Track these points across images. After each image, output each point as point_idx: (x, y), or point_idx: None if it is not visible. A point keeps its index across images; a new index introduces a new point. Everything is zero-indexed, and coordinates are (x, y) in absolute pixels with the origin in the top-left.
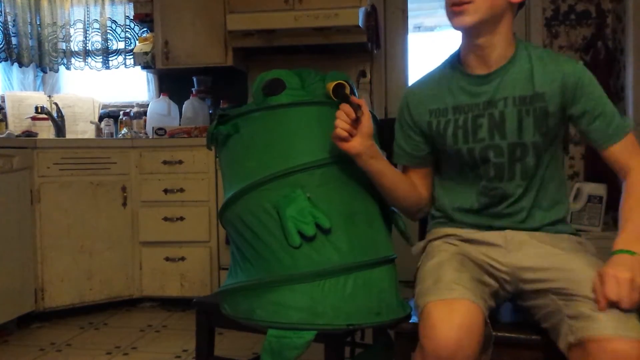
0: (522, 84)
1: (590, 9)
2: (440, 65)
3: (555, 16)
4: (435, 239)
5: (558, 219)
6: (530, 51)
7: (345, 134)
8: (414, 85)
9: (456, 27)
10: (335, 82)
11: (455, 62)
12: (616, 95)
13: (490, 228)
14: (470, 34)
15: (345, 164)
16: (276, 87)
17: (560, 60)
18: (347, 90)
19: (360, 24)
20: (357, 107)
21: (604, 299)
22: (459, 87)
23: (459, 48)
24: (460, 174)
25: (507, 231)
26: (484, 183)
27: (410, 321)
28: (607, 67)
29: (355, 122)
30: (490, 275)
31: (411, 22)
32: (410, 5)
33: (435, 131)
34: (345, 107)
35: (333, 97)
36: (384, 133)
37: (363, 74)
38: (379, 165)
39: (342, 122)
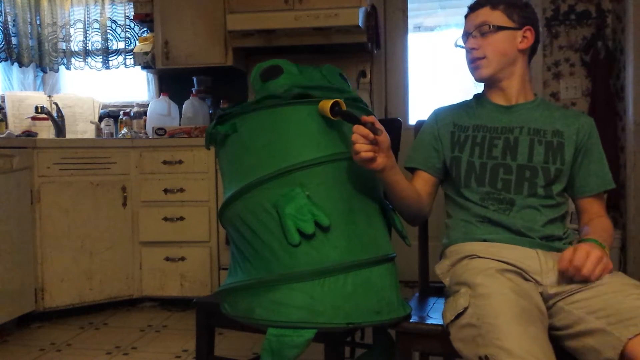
0: (541, 123)
1: (590, 9)
2: (466, 100)
3: (555, 16)
4: (466, 257)
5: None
6: (549, 104)
7: (371, 155)
8: (442, 107)
9: (477, 80)
10: (331, 101)
11: (480, 96)
12: (616, 95)
13: (514, 231)
14: (490, 81)
15: (345, 162)
16: (274, 72)
17: (578, 112)
18: (344, 107)
19: (360, 24)
20: (372, 127)
21: (571, 264)
22: (482, 112)
23: (484, 88)
24: (469, 187)
25: (539, 252)
26: (488, 189)
27: (410, 320)
28: (607, 67)
29: (373, 140)
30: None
31: (411, 22)
32: (410, 5)
33: (455, 141)
34: (360, 129)
35: (331, 117)
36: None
37: (363, 74)
38: (397, 176)
39: (363, 146)
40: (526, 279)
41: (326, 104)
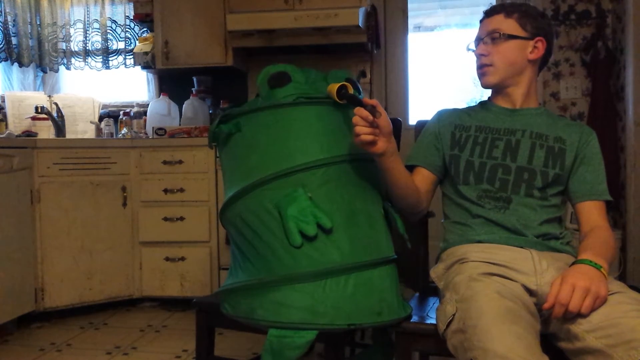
0: (544, 128)
1: (590, 9)
2: (470, 105)
3: (555, 16)
4: (458, 262)
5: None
6: (553, 114)
7: (371, 137)
8: (446, 108)
9: (483, 87)
10: (338, 84)
11: (485, 101)
12: (616, 95)
13: (509, 229)
14: (496, 88)
15: (347, 163)
16: (282, 79)
17: (581, 124)
18: (351, 91)
19: (360, 24)
20: (372, 109)
21: (557, 302)
22: (486, 115)
23: (491, 93)
24: (468, 185)
25: (533, 252)
26: (486, 187)
27: (410, 321)
28: (607, 67)
29: (373, 123)
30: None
31: (411, 22)
32: (410, 5)
33: (456, 141)
34: (361, 111)
35: (338, 100)
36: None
37: (363, 74)
38: (396, 164)
39: (363, 128)
40: (517, 280)
41: (334, 87)
